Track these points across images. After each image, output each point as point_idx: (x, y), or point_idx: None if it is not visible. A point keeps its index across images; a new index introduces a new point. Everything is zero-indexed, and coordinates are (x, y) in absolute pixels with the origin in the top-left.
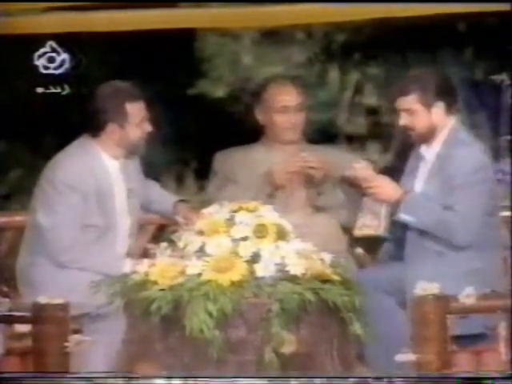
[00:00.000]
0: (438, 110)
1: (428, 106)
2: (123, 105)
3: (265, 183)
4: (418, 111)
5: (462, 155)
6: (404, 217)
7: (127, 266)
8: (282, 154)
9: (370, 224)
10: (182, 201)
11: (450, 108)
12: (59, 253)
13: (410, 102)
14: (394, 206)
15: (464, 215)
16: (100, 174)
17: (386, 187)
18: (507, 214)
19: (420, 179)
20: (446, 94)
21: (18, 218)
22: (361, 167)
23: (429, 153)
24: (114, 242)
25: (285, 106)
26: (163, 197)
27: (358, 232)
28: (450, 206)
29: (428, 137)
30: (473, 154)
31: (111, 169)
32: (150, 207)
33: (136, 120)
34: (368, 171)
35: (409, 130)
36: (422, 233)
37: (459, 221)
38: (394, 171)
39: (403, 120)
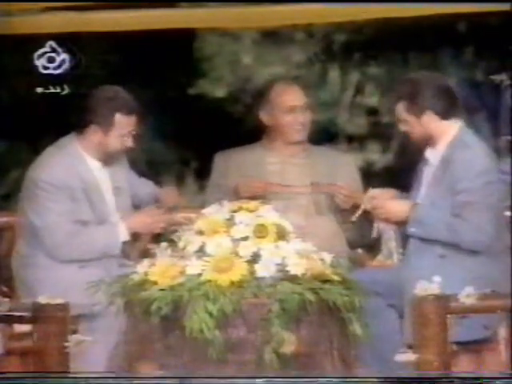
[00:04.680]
0: (429, 118)
1: (416, 115)
2: (113, 113)
3: (232, 194)
4: (408, 121)
5: (466, 159)
6: (413, 231)
7: (124, 233)
8: (280, 155)
9: (386, 259)
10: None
11: (446, 114)
12: (57, 248)
13: (399, 111)
14: (405, 221)
15: (474, 221)
16: (83, 172)
17: (394, 209)
18: (507, 213)
19: (425, 183)
20: (437, 101)
21: (17, 218)
22: (369, 197)
23: (433, 156)
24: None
25: (292, 106)
26: (153, 195)
27: (374, 264)
28: (458, 212)
29: (428, 142)
30: (477, 157)
31: (94, 167)
32: (142, 206)
33: (121, 132)
34: (375, 200)
35: (408, 137)
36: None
37: (470, 228)
38: (394, 171)
39: (402, 127)
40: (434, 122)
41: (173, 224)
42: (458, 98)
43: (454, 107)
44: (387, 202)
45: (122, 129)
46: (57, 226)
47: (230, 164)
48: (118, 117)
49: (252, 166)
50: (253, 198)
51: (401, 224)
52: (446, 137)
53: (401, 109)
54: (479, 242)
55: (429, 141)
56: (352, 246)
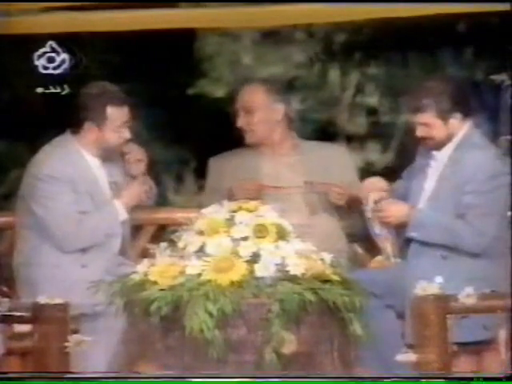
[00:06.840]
0: (455, 120)
1: (445, 118)
2: (104, 107)
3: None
4: (435, 124)
5: (475, 161)
6: (413, 235)
7: (121, 210)
8: (272, 155)
9: (383, 260)
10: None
11: (467, 115)
12: (64, 238)
13: (426, 117)
14: (404, 225)
15: (476, 224)
16: (82, 167)
17: (393, 212)
18: (507, 214)
19: (431, 179)
20: (461, 103)
21: (17, 217)
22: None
23: (441, 153)
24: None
25: (246, 107)
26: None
27: (372, 265)
28: (461, 213)
29: (445, 143)
30: (487, 159)
31: (93, 165)
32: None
33: (115, 124)
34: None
35: (426, 140)
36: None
37: (471, 230)
38: (394, 171)
39: (420, 132)
40: (458, 123)
41: (173, 223)
42: (471, 97)
43: (471, 109)
44: (388, 204)
45: (116, 121)
46: (63, 215)
47: (224, 168)
48: (110, 110)
49: (245, 169)
50: (248, 200)
51: (400, 227)
52: (456, 136)
53: (427, 115)
54: (479, 245)
55: (447, 141)
56: (350, 240)
